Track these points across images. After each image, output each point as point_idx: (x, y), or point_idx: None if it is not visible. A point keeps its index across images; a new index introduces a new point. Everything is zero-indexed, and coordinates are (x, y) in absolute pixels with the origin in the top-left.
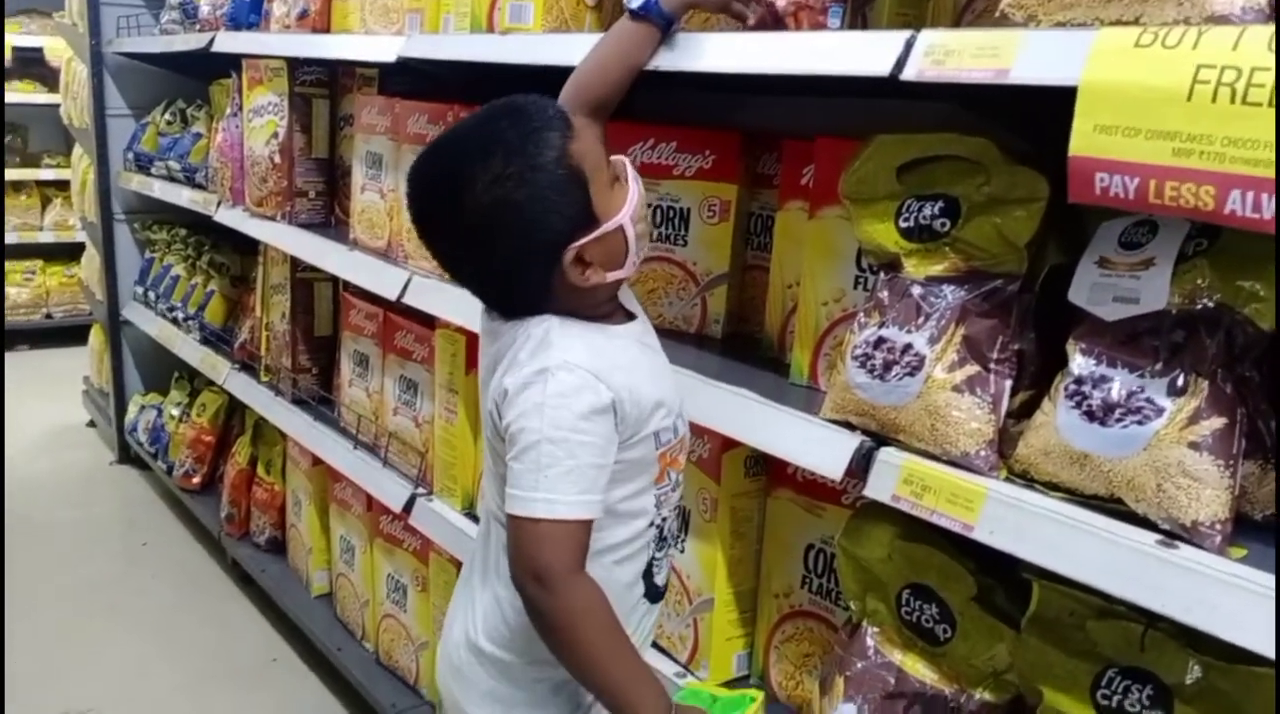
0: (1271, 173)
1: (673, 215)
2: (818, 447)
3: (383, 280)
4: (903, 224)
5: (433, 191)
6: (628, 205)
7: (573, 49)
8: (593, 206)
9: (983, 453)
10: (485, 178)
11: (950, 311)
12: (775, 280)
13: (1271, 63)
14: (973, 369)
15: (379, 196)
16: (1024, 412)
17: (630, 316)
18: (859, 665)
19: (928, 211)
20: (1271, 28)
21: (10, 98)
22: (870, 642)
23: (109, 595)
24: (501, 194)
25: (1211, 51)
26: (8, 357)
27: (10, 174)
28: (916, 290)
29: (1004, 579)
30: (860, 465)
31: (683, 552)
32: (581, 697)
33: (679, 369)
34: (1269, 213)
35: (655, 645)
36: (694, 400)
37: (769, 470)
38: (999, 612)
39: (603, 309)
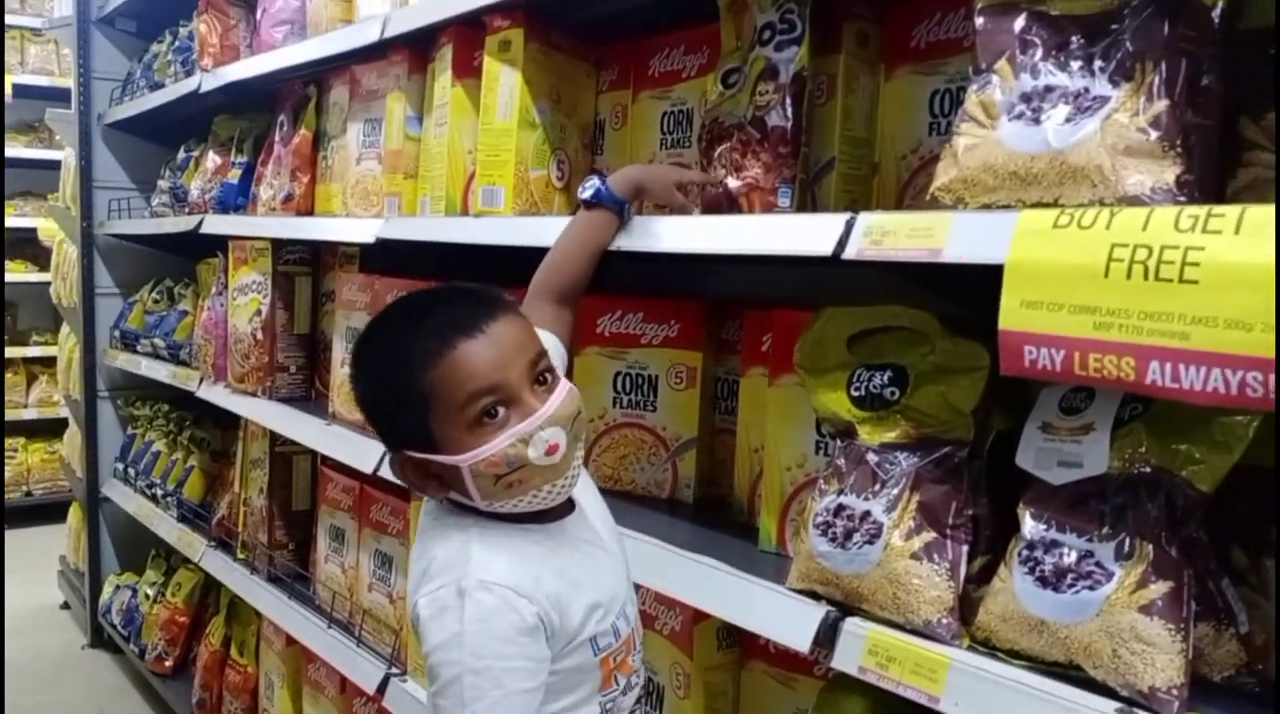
0: (1186, 345)
1: (641, 382)
2: (785, 618)
3: (359, 453)
4: (854, 392)
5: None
6: (470, 455)
7: (541, 230)
8: (431, 432)
9: (944, 621)
10: (357, 359)
11: (905, 478)
12: (742, 445)
13: (1178, 241)
14: (929, 535)
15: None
16: (983, 577)
17: (570, 508)
18: None
19: (877, 380)
20: (1175, 210)
21: None
22: None
23: None
24: (356, 375)
25: (1124, 230)
26: None
27: None
28: (872, 457)
29: None
30: (827, 636)
31: None
32: None
33: (649, 540)
34: (1188, 383)
35: None
36: (665, 572)
37: (741, 642)
38: None
39: (521, 510)
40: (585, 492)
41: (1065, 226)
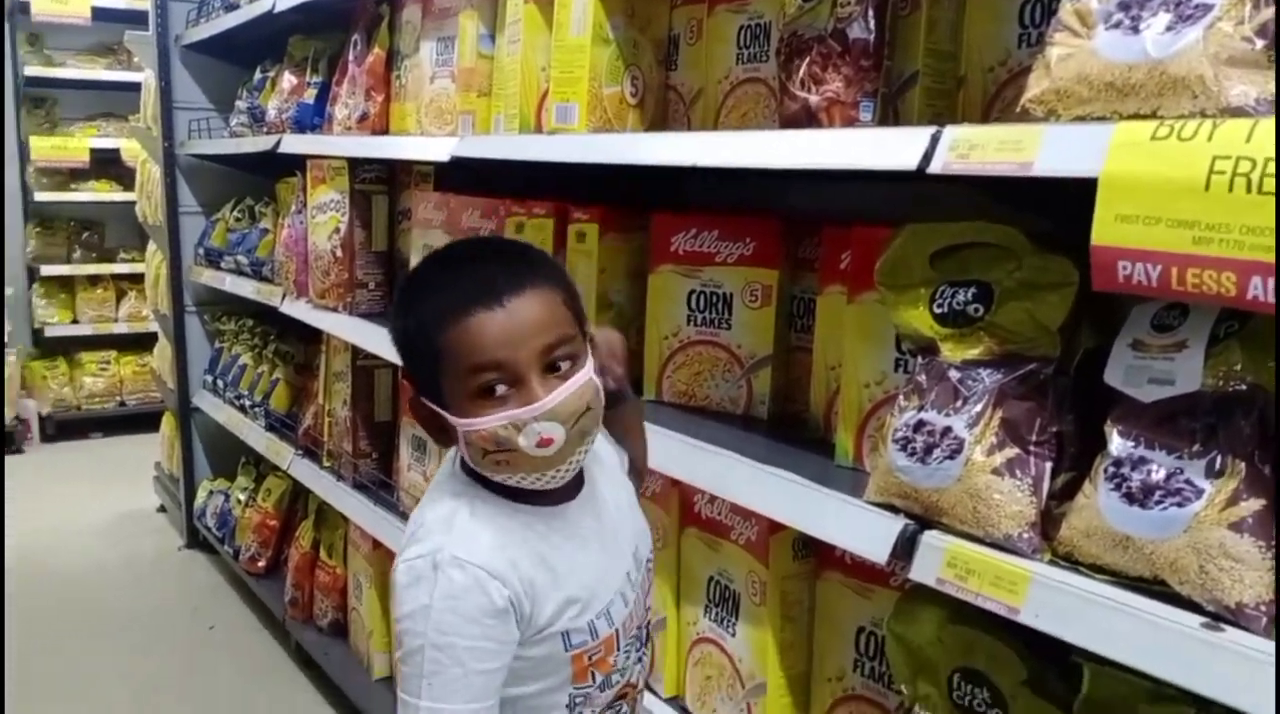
0: None
1: (716, 300)
2: (862, 530)
3: None
4: (937, 310)
5: None
6: (465, 422)
7: (614, 147)
8: (441, 388)
9: (1025, 535)
10: (396, 299)
11: (988, 395)
12: (818, 362)
13: None
14: (1012, 451)
15: None
16: (1066, 493)
17: (574, 492)
18: None
19: (961, 297)
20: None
21: (88, 196)
22: None
23: (178, 681)
24: (392, 314)
25: (1227, 143)
26: (82, 444)
27: (87, 268)
28: (954, 374)
29: (1056, 662)
30: (905, 548)
31: (734, 635)
32: None
33: (723, 452)
34: None
35: None
36: (740, 484)
37: (817, 552)
38: (1051, 695)
39: (524, 478)
40: (607, 477)
41: (1164, 139)
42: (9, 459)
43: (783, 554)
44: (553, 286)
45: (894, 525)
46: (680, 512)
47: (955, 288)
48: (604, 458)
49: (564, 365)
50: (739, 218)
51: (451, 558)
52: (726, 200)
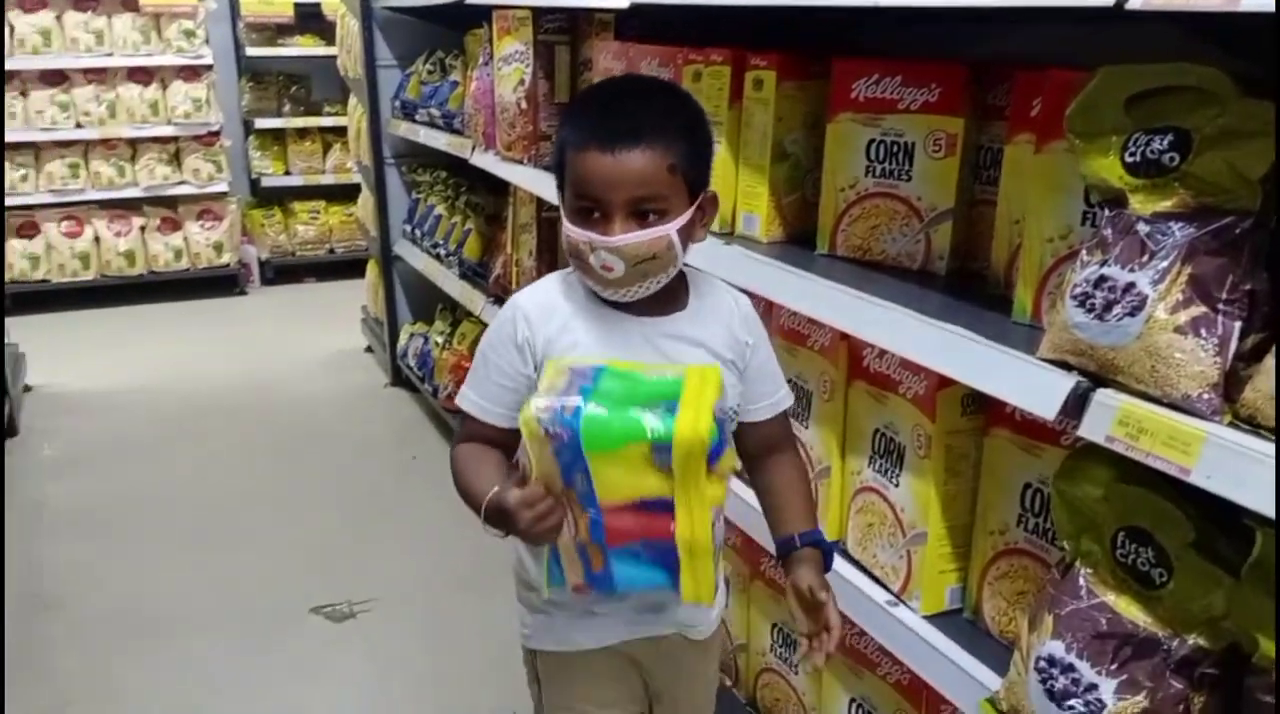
0: None
1: (896, 150)
2: (1033, 386)
3: None
4: (1128, 158)
5: None
6: (566, 225)
7: None
8: (564, 189)
9: (1205, 396)
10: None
11: (1177, 250)
12: (1002, 216)
13: None
14: (1198, 310)
15: None
16: (1255, 354)
17: (657, 310)
18: (1070, 605)
19: (1156, 145)
20: None
21: (294, 51)
22: (1083, 582)
23: (382, 502)
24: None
25: None
26: (297, 287)
27: (295, 122)
28: (1142, 228)
29: (1226, 524)
30: (1075, 406)
31: (897, 486)
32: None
33: (894, 306)
34: None
35: (866, 573)
36: (910, 337)
37: (987, 409)
38: (1218, 558)
39: (594, 284)
40: (706, 324)
41: None
42: (234, 300)
43: (950, 409)
44: (667, 148)
45: (1066, 382)
46: (849, 365)
47: (1150, 135)
48: (718, 313)
49: (651, 216)
50: (923, 63)
51: (514, 297)
52: (909, 47)
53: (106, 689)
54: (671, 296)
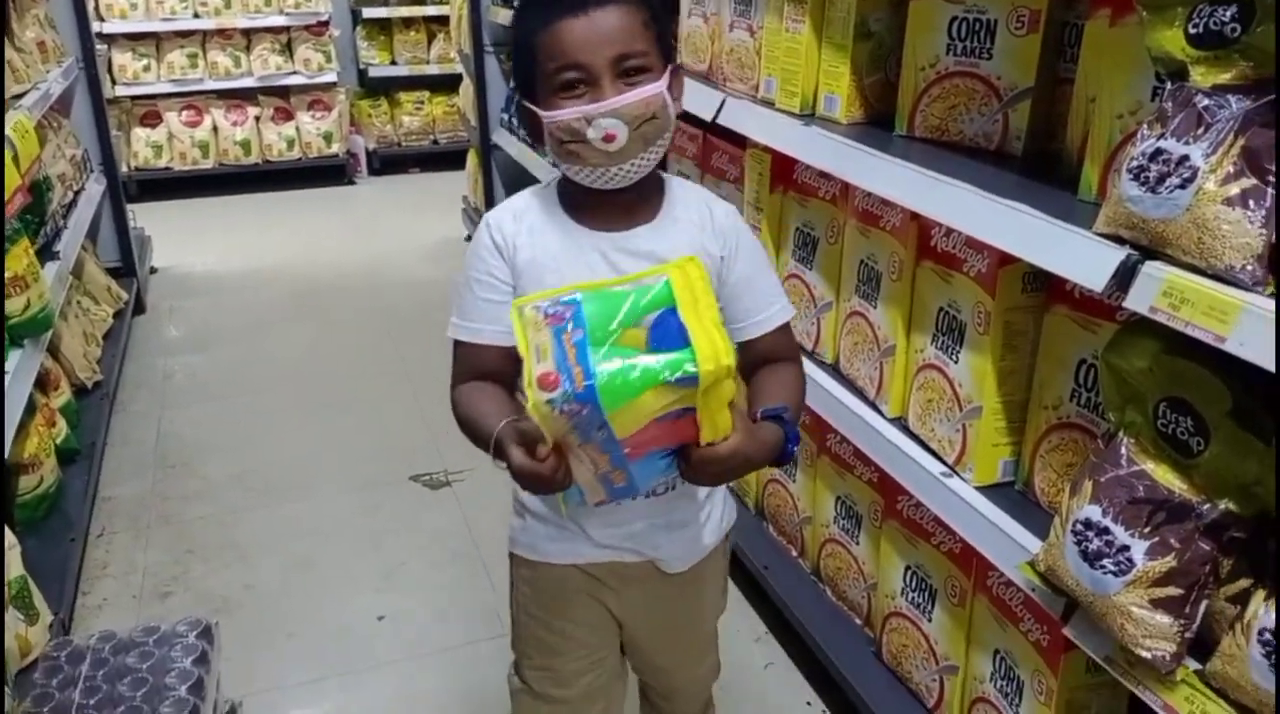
0: None
1: (979, 27)
2: (1085, 259)
3: (701, 102)
4: (1192, 29)
5: None
6: (549, 114)
7: None
8: (535, 87)
9: (1249, 267)
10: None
11: (1232, 121)
12: (1079, 94)
13: None
14: (1249, 182)
15: (702, 21)
16: None
17: (630, 220)
18: (1110, 472)
19: (1220, 15)
20: None
21: None
22: (1124, 451)
23: None
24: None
25: None
26: (402, 178)
27: (400, 11)
28: (1200, 100)
29: (1268, 397)
30: (1123, 278)
31: (957, 362)
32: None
33: (959, 184)
34: None
35: (924, 446)
36: (971, 215)
37: (1048, 288)
38: (1256, 427)
39: (576, 190)
40: (668, 236)
41: None
42: (343, 188)
43: (1010, 286)
44: (637, 6)
45: (1116, 255)
46: (917, 245)
47: (1214, 6)
48: (687, 224)
49: (636, 74)
50: None
51: (485, 217)
52: None
53: (226, 538)
54: (643, 204)
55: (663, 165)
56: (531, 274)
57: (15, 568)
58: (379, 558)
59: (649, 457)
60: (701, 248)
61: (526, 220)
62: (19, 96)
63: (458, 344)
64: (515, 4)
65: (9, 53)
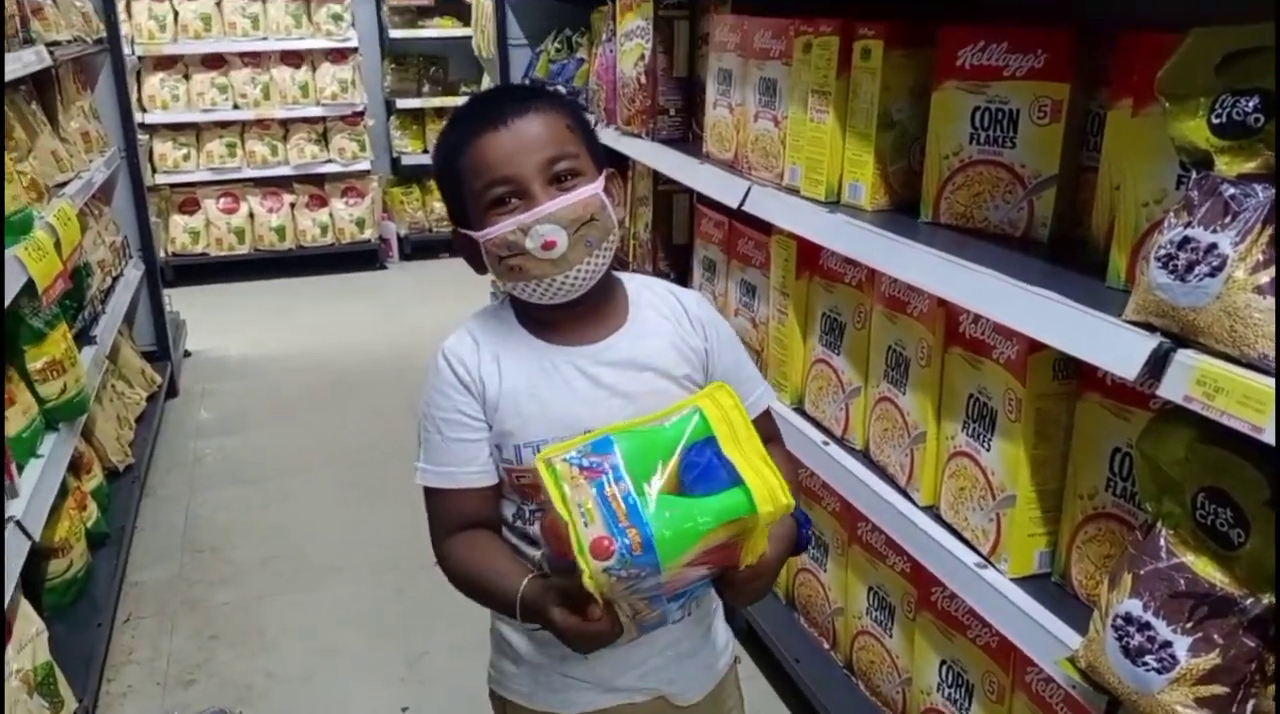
0: None
1: (1001, 117)
2: (1116, 347)
3: (727, 190)
4: (1215, 120)
5: None
6: (483, 232)
7: None
8: (467, 210)
9: None
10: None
11: (1260, 210)
12: (1104, 182)
13: None
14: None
15: (728, 111)
16: None
17: (596, 334)
18: (1150, 565)
19: (1243, 106)
20: None
21: (432, 32)
22: (1163, 543)
23: None
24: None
25: None
26: (432, 262)
27: (434, 102)
28: (1227, 189)
29: None
30: (1156, 367)
31: (989, 450)
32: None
33: (987, 272)
34: None
35: (957, 536)
36: (1001, 301)
37: (1079, 374)
38: None
39: (533, 309)
40: (648, 339)
41: None
42: (375, 273)
43: (1041, 373)
44: (557, 111)
45: (1147, 343)
46: (945, 331)
47: (1238, 97)
48: (660, 322)
49: (568, 178)
50: (1030, 29)
51: (441, 350)
52: (1016, 12)
53: (251, 624)
54: (608, 308)
55: (622, 266)
56: (509, 405)
57: (41, 654)
58: (403, 646)
59: (685, 588)
60: (683, 343)
61: (488, 348)
62: (62, 185)
63: (430, 493)
64: (439, 136)
65: (54, 143)
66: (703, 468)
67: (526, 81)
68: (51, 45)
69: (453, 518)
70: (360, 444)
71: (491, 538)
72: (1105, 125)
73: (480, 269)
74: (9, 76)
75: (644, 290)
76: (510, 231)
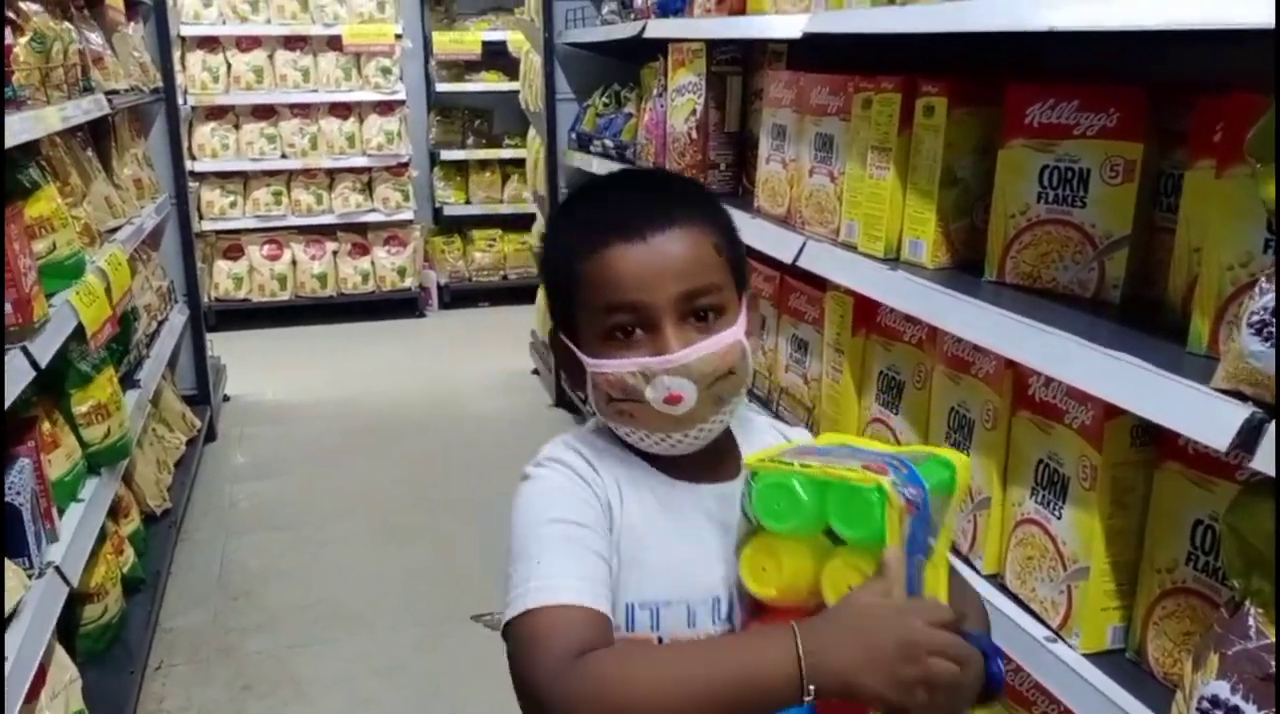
0: None
1: (1070, 176)
2: (1204, 416)
3: (780, 245)
4: None
5: None
6: (594, 362)
7: (969, 13)
8: (576, 322)
9: None
10: (548, 225)
11: None
12: (1181, 243)
13: None
14: None
15: (781, 166)
16: None
17: (707, 473)
18: (1238, 645)
19: None
20: None
21: (478, 86)
22: (1252, 622)
23: None
24: (544, 240)
25: None
26: (472, 311)
27: (478, 154)
28: None
29: None
30: (1248, 438)
31: (1060, 518)
32: None
33: (1059, 333)
34: None
35: (1024, 607)
36: (1077, 364)
37: (1158, 441)
38: None
39: (646, 437)
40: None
41: None
42: (414, 321)
43: (1118, 440)
44: (705, 226)
45: (1239, 413)
46: (1014, 394)
47: None
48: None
49: (709, 316)
50: (1101, 87)
51: (546, 458)
52: (1086, 70)
53: (284, 674)
54: (725, 447)
55: None
56: (630, 549)
57: (75, 702)
58: (438, 702)
59: None
60: None
61: (606, 469)
62: (114, 230)
63: (535, 619)
64: (551, 221)
65: (107, 189)
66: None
67: (573, 136)
68: (110, 94)
69: (576, 641)
70: (395, 491)
71: (650, 642)
72: (1183, 186)
73: (577, 386)
74: (68, 124)
75: (747, 425)
76: (629, 373)
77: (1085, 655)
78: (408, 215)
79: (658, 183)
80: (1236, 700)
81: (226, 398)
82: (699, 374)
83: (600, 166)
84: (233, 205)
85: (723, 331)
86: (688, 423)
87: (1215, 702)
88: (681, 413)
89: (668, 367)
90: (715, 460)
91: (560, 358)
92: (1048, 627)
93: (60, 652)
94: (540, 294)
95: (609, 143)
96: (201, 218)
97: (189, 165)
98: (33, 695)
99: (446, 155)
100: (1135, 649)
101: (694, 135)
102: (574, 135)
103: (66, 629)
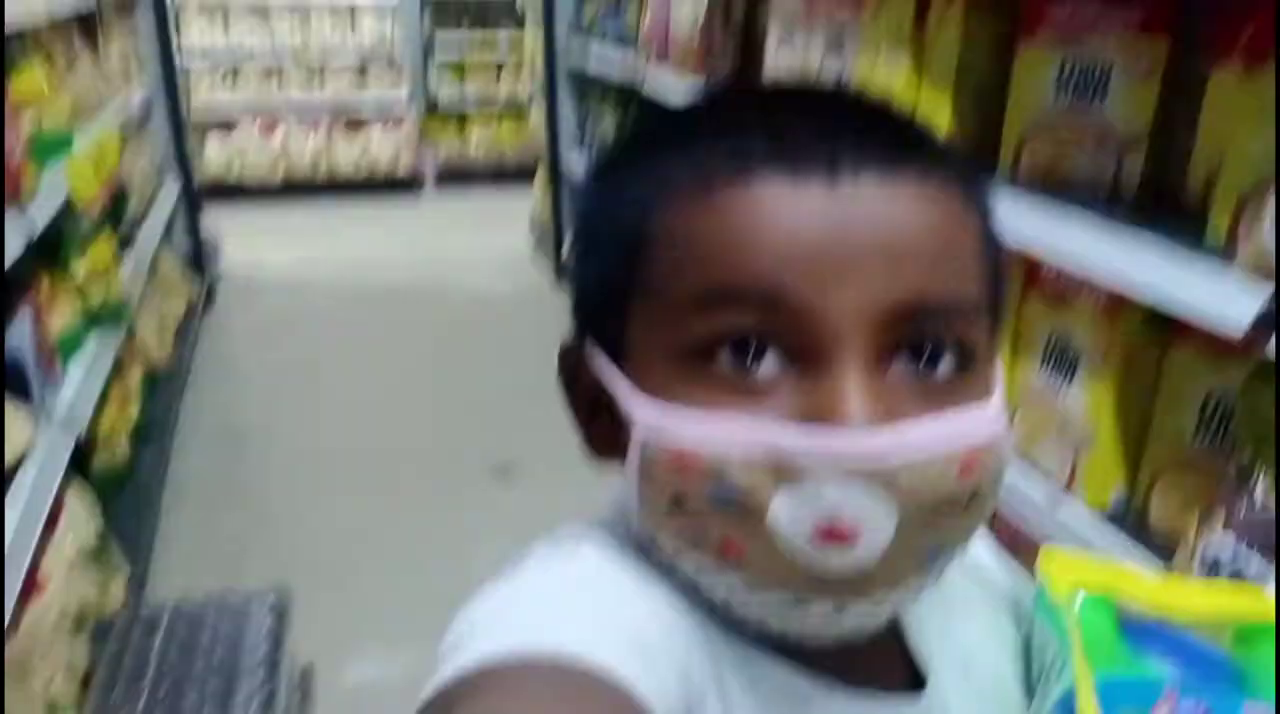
0: None
1: (1090, 74)
2: (1223, 301)
3: None
4: None
5: None
6: (654, 415)
7: None
8: (625, 326)
9: None
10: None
11: None
12: (1203, 143)
13: None
14: None
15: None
16: None
17: (889, 677)
18: (1244, 514)
19: None
20: None
21: None
22: (1259, 496)
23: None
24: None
25: None
26: (469, 193)
27: (474, 35)
28: None
29: None
30: (1267, 320)
31: (1069, 389)
32: None
33: (1083, 225)
34: None
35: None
36: (1095, 252)
37: (1171, 320)
38: None
39: (734, 602)
40: (980, 652)
41: None
42: (410, 202)
43: (1130, 318)
44: (962, 192)
45: (1259, 295)
46: (1023, 275)
47: None
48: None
49: (940, 363)
50: None
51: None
52: None
53: (293, 514)
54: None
55: None
56: None
57: (95, 522)
58: (439, 540)
59: None
60: (1012, 643)
61: (700, 665)
62: (102, 107)
63: None
64: (607, 160)
65: (95, 70)
66: None
67: (573, 25)
68: None
69: None
70: (389, 356)
71: None
72: (1208, 86)
73: (599, 454)
74: (56, 16)
75: None
76: (743, 450)
77: (1089, 511)
78: (401, 97)
79: (843, 97)
80: (1241, 548)
81: (219, 276)
82: (908, 489)
83: (600, 55)
84: (225, 83)
85: (966, 402)
86: (858, 589)
87: (1219, 560)
88: (848, 564)
89: (842, 457)
90: (859, 646)
91: (577, 401)
92: (1052, 489)
93: (78, 482)
94: (540, 174)
95: (610, 32)
96: (191, 101)
97: (179, 61)
98: (50, 526)
99: (442, 58)
100: (1137, 512)
101: (699, 22)
102: (574, 24)
103: (81, 474)
